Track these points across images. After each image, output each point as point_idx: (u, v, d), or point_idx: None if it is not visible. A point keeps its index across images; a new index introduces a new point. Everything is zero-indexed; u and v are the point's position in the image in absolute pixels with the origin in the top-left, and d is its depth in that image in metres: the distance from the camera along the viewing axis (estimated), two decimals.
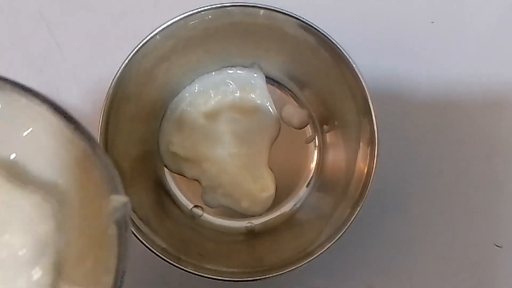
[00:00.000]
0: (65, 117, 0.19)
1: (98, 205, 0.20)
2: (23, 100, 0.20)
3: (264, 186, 0.35)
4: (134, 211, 0.29)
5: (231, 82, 0.36)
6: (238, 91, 0.36)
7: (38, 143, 0.21)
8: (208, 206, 0.36)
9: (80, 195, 0.21)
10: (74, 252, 0.20)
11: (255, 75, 0.36)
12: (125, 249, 0.19)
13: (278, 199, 0.36)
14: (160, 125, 0.36)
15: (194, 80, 0.36)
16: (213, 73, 0.36)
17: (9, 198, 0.20)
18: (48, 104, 0.19)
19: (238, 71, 0.36)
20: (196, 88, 0.36)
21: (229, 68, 0.36)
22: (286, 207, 0.36)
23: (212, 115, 0.36)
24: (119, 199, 0.19)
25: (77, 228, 0.21)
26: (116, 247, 0.19)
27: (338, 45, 0.30)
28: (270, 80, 0.37)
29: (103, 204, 0.19)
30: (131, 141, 0.32)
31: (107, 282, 0.19)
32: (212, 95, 0.36)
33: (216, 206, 0.36)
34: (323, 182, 0.35)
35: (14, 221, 0.20)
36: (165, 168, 0.36)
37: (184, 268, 0.29)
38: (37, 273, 0.20)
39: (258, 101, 0.36)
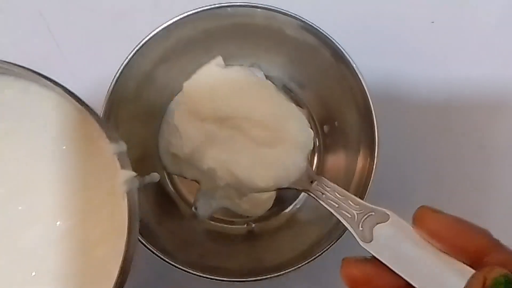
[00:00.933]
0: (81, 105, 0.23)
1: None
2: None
3: None
4: None
5: None
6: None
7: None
8: (200, 216, 0.35)
9: None
10: None
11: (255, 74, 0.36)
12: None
13: (278, 199, 0.36)
14: (160, 126, 0.36)
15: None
16: None
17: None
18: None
19: None
20: None
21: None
22: (286, 208, 0.36)
23: None
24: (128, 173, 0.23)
25: None
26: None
27: (338, 45, 0.30)
28: (270, 80, 0.37)
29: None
30: (130, 143, 0.32)
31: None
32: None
33: (208, 216, 0.35)
34: None
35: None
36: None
37: (184, 268, 0.29)
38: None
39: None
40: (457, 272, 0.19)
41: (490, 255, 0.19)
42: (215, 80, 0.30)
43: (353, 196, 0.25)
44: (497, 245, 0.20)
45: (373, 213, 0.23)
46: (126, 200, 0.22)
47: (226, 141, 0.31)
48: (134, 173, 0.23)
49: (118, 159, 0.23)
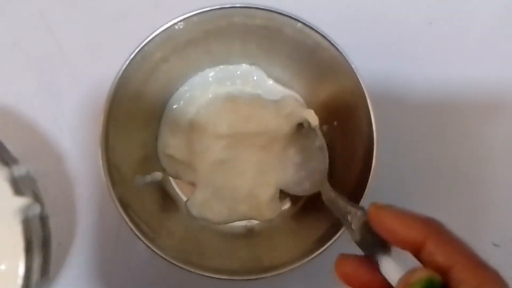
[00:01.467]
0: None
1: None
2: None
3: None
4: (135, 212, 0.30)
5: (231, 81, 0.36)
6: (239, 87, 0.36)
7: None
8: (196, 216, 0.35)
9: None
10: None
11: (254, 72, 0.36)
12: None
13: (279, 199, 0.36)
14: (159, 127, 0.36)
15: (191, 79, 0.36)
16: (211, 72, 0.36)
17: None
18: None
19: (237, 68, 0.36)
20: (194, 87, 0.36)
21: (228, 65, 0.36)
22: (286, 207, 0.36)
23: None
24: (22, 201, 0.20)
25: None
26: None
27: (336, 46, 0.30)
28: (269, 78, 0.37)
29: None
30: (131, 146, 0.33)
31: None
32: (210, 96, 0.36)
33: (203, 216, 0.35)
34: None
35: None
36: None
37: (185, 267, 0.29)
38: None
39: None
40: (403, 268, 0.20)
41: (425, 246, 0.19)
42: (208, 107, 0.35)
43: (345, 199, 0.27)
44: (433, 234, 0.20)
45: (359, 213, 0.24)
46: (21, 230, 0.20)
47: (231, 157, 0.34)
48: (30, 200, 0.20)
49: (11, 184, 0.20)
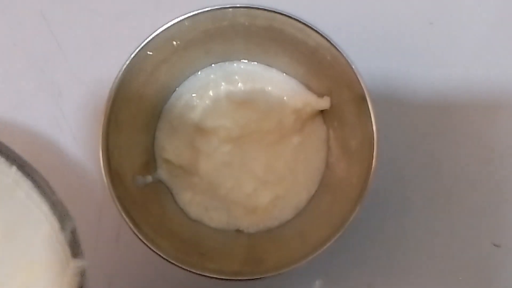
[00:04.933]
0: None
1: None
2: None
3: None
4: (135, 212, 0.30)
5: (232, 80, 0.36)
6: (239, 84, 0.36)
7: None
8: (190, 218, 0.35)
9: None
10: None
11: (256, 69, 0.36)
12: None
13: None
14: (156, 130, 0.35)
15: (190, 79, 0.36)
16: (211, 72, 0.36)
17: None
18: None
19: (238, 67, 0.36)
20: (194, 88, 0.36)
21: (229, 65, 0.36)
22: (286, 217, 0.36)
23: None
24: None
25: None
26: None
27: (337, 46, 0.30)
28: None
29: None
30: (132, 146, 0.32)
31: None
32: (211, 96, 0.36)
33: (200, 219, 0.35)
34: (322, 182, 0.35)
35: None
36: None
37: (184, 268, 0.29)
38: None
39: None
40: None
41: None
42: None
43: None
44: None
45: None
46: None
47: (237, 158, 0.34)
48: (86, 262, 0.19)
49: (69, 245, 0.18)
